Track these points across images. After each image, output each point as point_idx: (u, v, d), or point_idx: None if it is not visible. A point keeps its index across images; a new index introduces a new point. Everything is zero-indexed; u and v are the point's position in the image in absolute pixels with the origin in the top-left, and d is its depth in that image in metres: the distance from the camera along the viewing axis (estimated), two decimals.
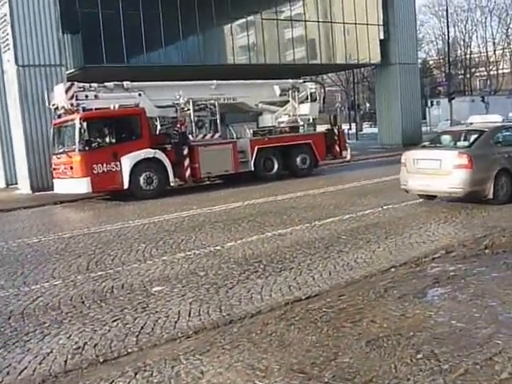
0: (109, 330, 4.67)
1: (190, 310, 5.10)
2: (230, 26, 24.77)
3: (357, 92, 63.08)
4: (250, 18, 25.27)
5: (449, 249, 6.31)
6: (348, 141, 37.84)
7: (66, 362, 4.08)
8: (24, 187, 19.45)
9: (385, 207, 9.86)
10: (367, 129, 54.62)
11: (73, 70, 21.92)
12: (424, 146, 10.83)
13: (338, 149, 18.10)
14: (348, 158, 21.38)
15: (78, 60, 21.46)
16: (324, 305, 4.70)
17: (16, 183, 20.77)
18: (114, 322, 4.88)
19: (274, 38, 25.91)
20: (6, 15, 19.19)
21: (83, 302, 5.54)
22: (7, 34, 19.42)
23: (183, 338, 4.36)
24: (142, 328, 4.72)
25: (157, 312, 5.13)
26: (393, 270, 5.81)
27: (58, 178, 15.47)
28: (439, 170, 9.31)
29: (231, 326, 4.49)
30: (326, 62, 27.46)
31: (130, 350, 4.18)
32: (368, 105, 62.53)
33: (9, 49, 19.65)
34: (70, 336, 4.60)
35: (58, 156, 15.35)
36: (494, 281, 4.83)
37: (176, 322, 4.81)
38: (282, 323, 4.37)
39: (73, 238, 9.30)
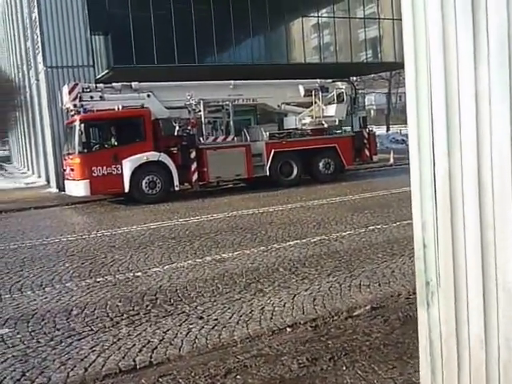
0: None
1: None
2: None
3: None
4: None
5: (382, 302, 4.61)
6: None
7: None
8: (54, 186, 19.52)
9: (370, 228, 8.11)
10: None
11: (106, 71, 21.61)
12: None
13: (367, 153, 16.16)
14: (391, 161, 19.44)
15: (109, 61, 21.07)
16: None
17: None
18: None
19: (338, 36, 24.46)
20: (36, 18, 19.27)
21: None
22: (38, 36, 19.48)
23: None
24: None
25: None
26: (289, 330, 4.26)
27: (67, 179, 15.08)
28: None
29: None
30: (377, 60, 25.34)
31: None
32: None
33: (40, 51, 19.71)
34: None
35: (65, 157, 14.94)
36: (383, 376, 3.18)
37: None
38: None
39: (13, 251, 8.46)
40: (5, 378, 3.78)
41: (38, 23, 19.18)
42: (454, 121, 2.32)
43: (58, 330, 4.73)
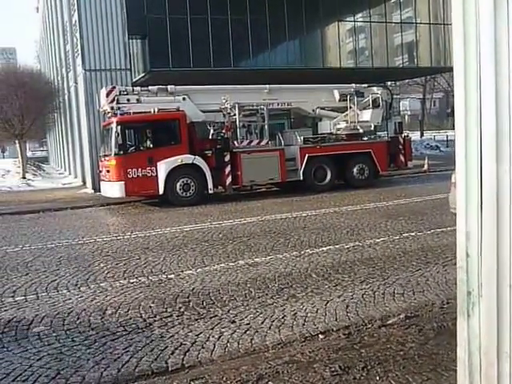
0: None
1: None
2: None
3: None
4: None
5: (417, 311, 4.51)
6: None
7: None
8: (89, 187, 19.95)
9: (405, 235, 7.97)
10: None
11: (143, 74, 21.96)
12: None
13: (402, 158, 15.95)
14: (425, 167, 19.10)
15: (146, 65, 21.42)
16: None
17: None
18: None
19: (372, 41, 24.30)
20: (76, 21, 19.79)
21: None
22: (77, 40, 19.99)
23: None
24: None
25: None
26: (321, 336, 4.22)
27: (102, 180, 15.37)
28: None
29: None
30: (413, 65, 24.95)
31: None
32: None
33: (79, 54, 20.22)
34: None
35: (102, 159, 15.24)
36: None
37: None
38: None
39: (50, 250, 8.67)
40: (40, 375, 3.86)
41: (77, 27, 19.69)
42: (504, 131, 2.25)
43: (93, 329, 4.81)
